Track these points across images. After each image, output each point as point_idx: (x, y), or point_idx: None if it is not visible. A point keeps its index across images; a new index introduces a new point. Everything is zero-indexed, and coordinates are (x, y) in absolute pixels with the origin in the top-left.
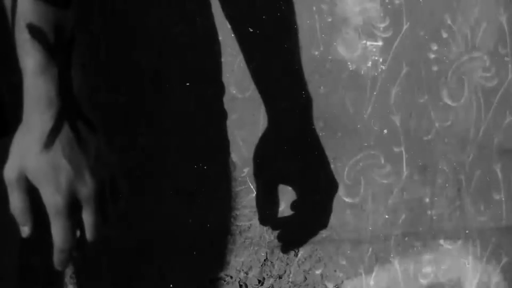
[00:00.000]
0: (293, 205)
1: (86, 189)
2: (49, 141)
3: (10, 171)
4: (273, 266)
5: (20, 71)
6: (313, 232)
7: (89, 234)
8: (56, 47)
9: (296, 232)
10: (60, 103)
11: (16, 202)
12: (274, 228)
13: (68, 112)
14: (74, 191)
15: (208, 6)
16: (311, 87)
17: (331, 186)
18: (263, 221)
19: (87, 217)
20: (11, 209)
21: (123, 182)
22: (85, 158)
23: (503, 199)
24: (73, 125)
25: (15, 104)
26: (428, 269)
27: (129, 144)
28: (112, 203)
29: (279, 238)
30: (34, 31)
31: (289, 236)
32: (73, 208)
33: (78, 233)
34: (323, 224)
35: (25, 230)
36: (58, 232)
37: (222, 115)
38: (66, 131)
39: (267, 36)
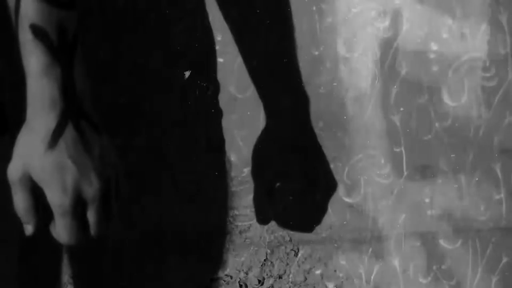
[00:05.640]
0: (292, 205)
1: (91, 189)
2: (53, 141)
3: (14, 171)
4: (273, 266)
5: (21, 70)
6: (310, 231)
7: (93, 232)
8: (59, 48)
9: (294, 231)
10: (63, 103)
11: (20, 202)
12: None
13: (72, 112)
14: (79, 191)
15: (208, 6)
16: (311, 87)
17: (330, 186)
18: (261, 220)
19: (92, 216)
20: (15, 208)
21: (124, 182)
22: (89, 158)
23: (503, 199)
24: (77, 125)
25: (15, 103)
26: (428, 269)
27: (129, 144)
28: (115, 201)
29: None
30: (37, 31)
31: (287, 235)
32: (78, 207)
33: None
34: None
35: (28, 229)
36: (64, 231)
37: (219, 114)
38: (70, 131)
39: (267, 36)
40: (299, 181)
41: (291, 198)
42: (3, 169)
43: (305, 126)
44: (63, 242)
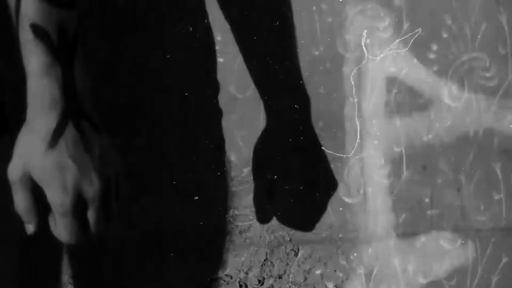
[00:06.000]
0: (292, 205)
1: (92, 189)
2: (54, 140)
3: (14, 171)
4: (273, 266)
5: (21, 70)
6: (310, 231)
7: (94, 231)
8: (60, 47)
9: (294, 230)
10: (64, 103)
11: (20, 201)
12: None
13: (72, 112)
14: (80, 191)
15: (208, 6)
16: (311, 87)
17: (330, 186)
18: (262, 219)
19: (93, 215)
20: (15, 208)
21: (124, 181)
22: (90, 157)
23: (503, 199)
24: (77, 125)
25: (15, 103)
26: (428, 269)
27: (129, 144)
28: (115, 201)
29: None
30: (37, 31)
31: (287, 235)
32: (79, 207)
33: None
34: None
35: (29, 228)
36: (64, 230)
37: (219, 114)
38: (70, 130)
39: (267, 36)
40: (299, 181)
41: (291, 198)
42: (3, 169)
43: (305, 126)
44: (63, 241)
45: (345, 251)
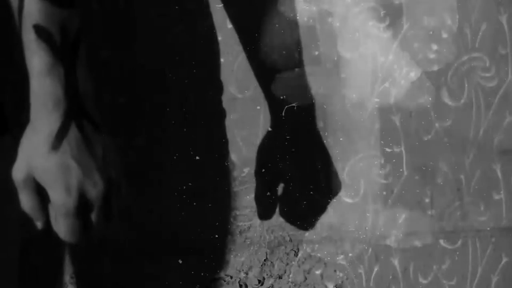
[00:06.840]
0: (292, 204)
1: (95, 190)
2: (57, 141)
3: (18, 172)
4: (273, 266)
5: (22, 70)
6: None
7: (96, 232)
8: (62, 47)
9: (294, 230)
10: (67, 103)
11: (26, 201)
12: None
13: (75, 112)
14: (83, 192)
15: (208, 6)
16: (311, 87)
17: (333, 186)
18: (263, 217)
19: (95, 216)
20: (22, 207)
21: (124, 182)
22: (93, 158)
23: (503, 199)
24: (80, 125)
25: (15, 103)
26: (428, 269)
27: (128, 145)
28: (116, 201)
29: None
30: (40, 31)
31: (287, 235)
32: (81, 207)
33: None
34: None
35: (38, 225)
36: (66, 230)
37: (221, 114)
38: (73, 131)
39: (267, 36)
40: (300, 181)
41: (292, 197)
42: (3, 168)
43: (306, 126)
44: (64, 240)
45: (345, 251)
